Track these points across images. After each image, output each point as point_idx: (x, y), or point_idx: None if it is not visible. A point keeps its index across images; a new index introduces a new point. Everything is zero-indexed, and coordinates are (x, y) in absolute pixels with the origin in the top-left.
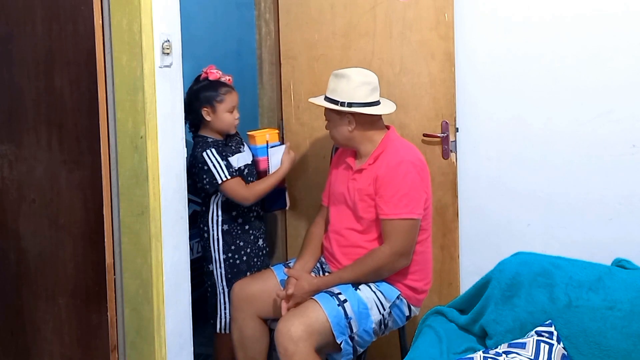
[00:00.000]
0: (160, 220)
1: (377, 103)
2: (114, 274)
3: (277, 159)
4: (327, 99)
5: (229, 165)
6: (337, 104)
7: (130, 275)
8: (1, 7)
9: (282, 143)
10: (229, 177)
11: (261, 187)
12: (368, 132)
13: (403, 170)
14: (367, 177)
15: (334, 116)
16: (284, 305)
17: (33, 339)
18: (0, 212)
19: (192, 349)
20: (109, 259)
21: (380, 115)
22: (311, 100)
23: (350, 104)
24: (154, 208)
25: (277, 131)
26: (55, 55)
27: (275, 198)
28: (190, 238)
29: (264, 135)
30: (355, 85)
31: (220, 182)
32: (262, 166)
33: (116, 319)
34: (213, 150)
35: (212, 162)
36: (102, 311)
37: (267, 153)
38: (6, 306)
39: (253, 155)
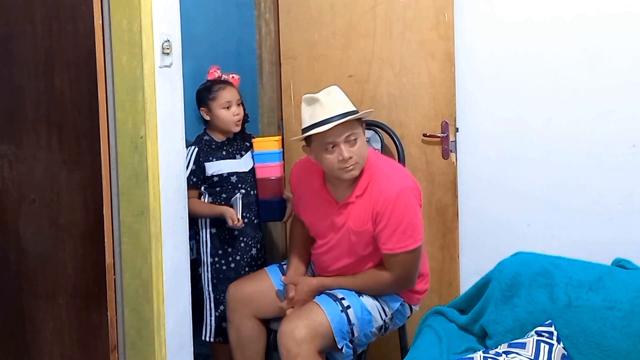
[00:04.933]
0: (160, 220)
1: None
2: (114, 274)
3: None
4: (349, 113)
5: (195, 172)
6: (359, 112)
7: (130, 275)
8: (1, 7)
9: (283, 150)
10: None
11: (193, 209)
12: None
13: (403, 201)
14: (359, 213)
15: (360, 130)
16: (288, 312)
17: (33, 339)
18: (0, 212)
19: (192, 349)
20: (109, 259)
21: None
22: (338, 122)
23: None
24: (154, 208)
25: (276, 139)
26: (55, 55)
27: (268, 208)
28: (190, 238)
29: (261, 143)
30: (345, 97)
31: None
32: (258, 174)
33: (116, 319)
34: (196, 149)
35: (186, 159)
36: (102, 311)
37: (264, 160)
38: (6, 306)
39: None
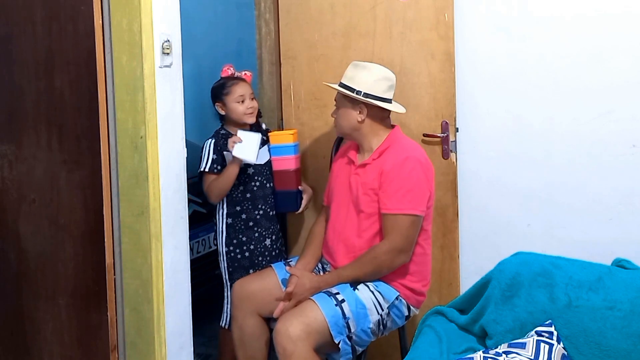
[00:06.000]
0: (160, 220)
1: (390, 101)
2: (114, 274)
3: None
4: (343, 86)
5: (216, 160)
6: (353, 92)
7: (130, 275)
8: (1, 7)
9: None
10: (207, 170)
11: (216, 185)
12: (375, 127)
13: (409, 166)
14: (372, 172)
15: (346, 103)
16: (280, 304)
17: (33, 339)
18: (0, 212)
19: (192, 349)
20: (109, 259)
21: (390, 113)
22: (326, 83)
23: (366, 95)
24: (154, 208)
25: (291, 132)
26: (55, 55)
27: (284, 200)
28: (190, 238)
29: (278, 136)
30: (375, 78)
31: (200, 170)
32: (274, 166)
33: (116, 319)
34: (213, 141)
35: (205, 151)
36: (102, 311)
37: (280, 153)
38: (6, 306)
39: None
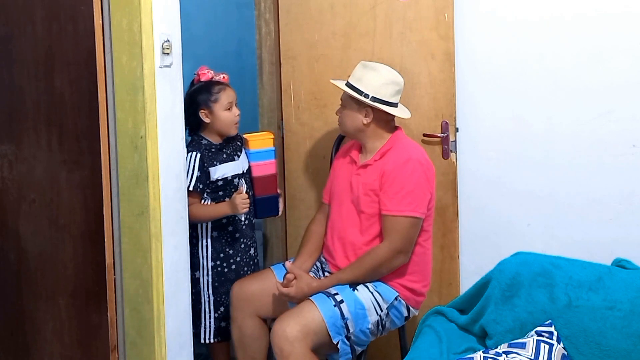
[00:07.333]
0: (160, 220)
1: (396, 105)
2: (114, 274)
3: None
4: (350, 86)
5: (200, 179)
6: (361, 94)
7: (130, 275)
8: (1, 7)
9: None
10: (190, 190)
11: (196, 213)
12: (379, 129)
13: (410, 168)
14: (373, 173)
15: (352, 104)
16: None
17: (33, 339)
18: (0, 212)
19: (192, 349)
20: (109, 259)
21: (395, 116)
22: (333, 81)
23: (374, 99)
24: (154, 208)
25: (271, 136)
26: (55, 55)
27: (266, 205)
28: None
29: (257, 140)
30: (383, 82)
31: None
32: (254, 172)
33: (116, 319)
34: (198, 155)
35: (190, 166)
36: (102, 311)
37: (262, 158)
38: (6, 306)
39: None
